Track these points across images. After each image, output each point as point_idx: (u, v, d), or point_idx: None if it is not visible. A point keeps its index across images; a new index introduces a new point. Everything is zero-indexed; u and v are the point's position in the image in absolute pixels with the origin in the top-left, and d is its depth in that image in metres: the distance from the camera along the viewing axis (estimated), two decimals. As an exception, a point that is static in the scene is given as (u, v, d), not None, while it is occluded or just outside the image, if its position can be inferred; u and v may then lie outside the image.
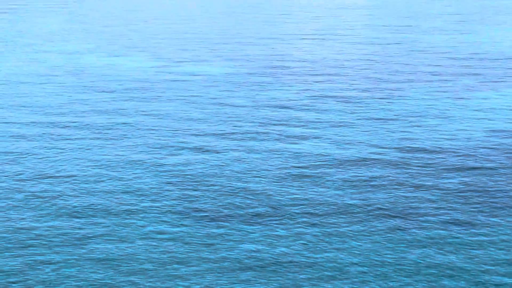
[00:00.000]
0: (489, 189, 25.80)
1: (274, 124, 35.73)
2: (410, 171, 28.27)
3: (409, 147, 31.98)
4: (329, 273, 18.32)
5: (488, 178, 26.98)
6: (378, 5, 76.59)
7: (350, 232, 22.03)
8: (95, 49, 56.27)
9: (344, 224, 22.69)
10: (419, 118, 36.89)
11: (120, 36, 61.53)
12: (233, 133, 34.32)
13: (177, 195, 25.83)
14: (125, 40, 59.80)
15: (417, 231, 21.93)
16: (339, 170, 28.61)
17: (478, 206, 24.12)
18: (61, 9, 75.94)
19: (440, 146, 31.90)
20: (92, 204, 24.89)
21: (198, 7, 76.38)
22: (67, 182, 27.66)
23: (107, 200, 25.40)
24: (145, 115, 37.87)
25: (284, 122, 36.02)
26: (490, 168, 28.31)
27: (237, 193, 25.96)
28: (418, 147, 31.82)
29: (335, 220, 23.02)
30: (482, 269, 18.51)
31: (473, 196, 25.15)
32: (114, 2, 79.95)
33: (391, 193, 25.67)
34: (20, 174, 28.85)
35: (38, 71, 49.13)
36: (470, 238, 21.33)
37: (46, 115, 38.32)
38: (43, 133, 34.80)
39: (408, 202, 24.63)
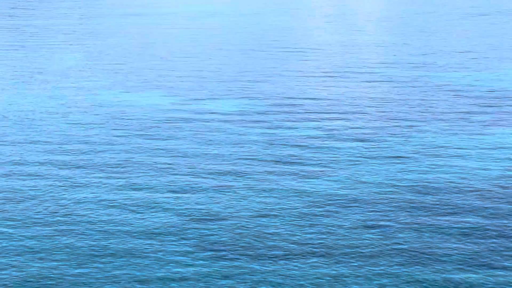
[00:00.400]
0: (506, 231, 25.60)
1: (289, 163, 35.68)
2: (425, 210, 28.11)
3: (424, 186, 31.82)
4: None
5: (505, 219, 26.80)
6: (394, 42, 76.79)
7: (366, 272, 21.87)
8: (111, 86, 56.55)
9: (359, 264, 22.55)
10: (434, 156, 36.76)
11: (136, 72, 61.86)
12: (248, 172, 34.29)
13: (192, 233, 25.77)
14: (141, 76, 60.09)
15: (434, 272, 21.75)
16: (354, 209, 28.49)
17: (494, 247, 23.92)
18: (78, 45, 76.53)
19: (456, 185, 31.74)
20: (108, 244, 24.87)
21: (214, 43, 76.80)
22: (82, 222, 27.65)
23: (124, 240, 25.37)
24: (161, 152, 37.93)
25: (299, 160, 35.98)
26: (507, 209, 28.11)
27: (252, 232, 25.88)
28: (433, 186, 31.66)
29: (350, 260, 22.88)
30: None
31: (490, 237, 24.95)
32: (131, 39, 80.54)
33: (406, 232, 25.50)
34: (38, 213, 28.88)
35: (54, 108, 49.36)
36: (488, 280, 21.12)
37: (61, 153, 38.44)
38: (58, 171, 34.88)
39: (424, 242, 24.45)
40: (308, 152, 37.55)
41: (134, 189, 31.80)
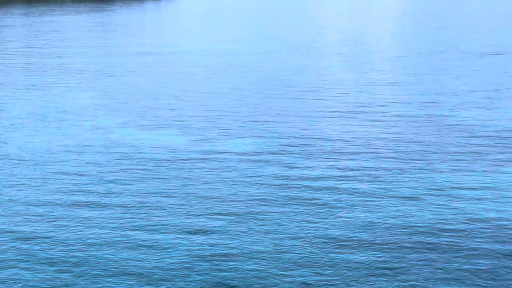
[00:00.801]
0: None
1: (302, 203, 35.66)
2: (439, 252, 27.99)
3: (438, 227, 31.72)
4: None
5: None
6: (407, 81, 76.92)
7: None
8: (125, 124, 56.80)
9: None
10: (448, 196, 36.67)
11: (150, 111, 62.14)
12: (261, 212, 34.28)
13: (206, 274, 25.75)
14: (155, 115, 60.36)
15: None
16: (367, 250, 28.40)
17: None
18: (92, 84, 77.03)
19: (470, 227, 31.61)
20: (122, 285, 24.88)
21: (227, 82, 77.14)
22: (96, 263, 27.67)
23: (139, 281, 25.37)
24: (175, 192, 37.99)
25: (312, 201, 35.95)
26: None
27: (266, 273, 25.83)
28: (447, 228, 31.55)
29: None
30: None
31: (506, 280, 24.82)
32: (145, 77, 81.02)
33: (421, 275, 25.39)
34: (51, 254, 28.93)
35: (69, 147, 49.60)
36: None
37: (75, 192, 38.55)
38: (72, 211, 34.97)
39: (438, 284, 24.33)
40: (321, 192, 37.51)
41: (148, 230, 31.81)
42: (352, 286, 24.36)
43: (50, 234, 31.26)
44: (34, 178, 41.33)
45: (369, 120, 57.48)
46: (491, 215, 33.28)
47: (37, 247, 29.41)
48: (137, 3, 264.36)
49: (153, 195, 37.32)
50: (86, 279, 25.43)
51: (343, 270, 25.97)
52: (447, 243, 29.15)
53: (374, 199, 36.34)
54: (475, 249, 28.17)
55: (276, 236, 30.52)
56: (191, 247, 28.95)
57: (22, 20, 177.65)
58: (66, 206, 35.66)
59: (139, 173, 42.14)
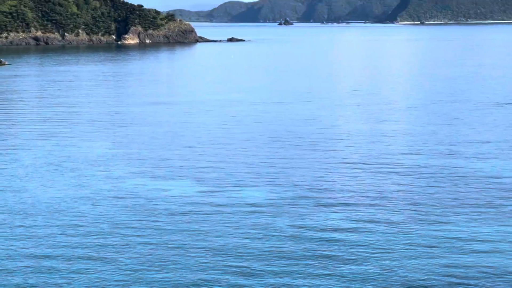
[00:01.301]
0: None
1: (317, 255, 35.52)
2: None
3: (455, 275, 31.50)
4: None
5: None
6: (421, 131, 76.95)
7: None
8: (139, 174, 56.92)
9: None
10: (463, 245, 36.46)
11: (164, 161, 62.28)
12: (279, 257, 34.17)
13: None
14: (169, 165, 60.48)
15: None
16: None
17: None
18: (107, 134, 77.36)
19: (486, 277, 31.38)
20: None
21: (241, 131, 77.34)
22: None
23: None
24: (189, 244, 37.92)
25: (328, 252, 35.80)
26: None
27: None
28: (464, 276, 31.34)
29: None
30: None
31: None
32: (159, 127, 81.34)
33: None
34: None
35: (83, 196, 49.67)
36: None
37: (89, 243, 38.53)
38: (86, 263, 34.90)
39: None
40: (336, 243, 37.36)
41: (162, 283, 31.70)
42: None
43: (64, 286, 31.18)
44: (48, 228, 41.33)
45: (382, 171, 57.39)
46: (508, 264, 33.02)
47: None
48: (151, 52, 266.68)
49: (167, 247, 37.23)
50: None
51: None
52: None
53: (389, 246, 36.18)
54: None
55: (293, 283, 30.36)
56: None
57: (37, 69, 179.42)
58: (80, 256, 35.60)
59: (153, 224, 42.08)
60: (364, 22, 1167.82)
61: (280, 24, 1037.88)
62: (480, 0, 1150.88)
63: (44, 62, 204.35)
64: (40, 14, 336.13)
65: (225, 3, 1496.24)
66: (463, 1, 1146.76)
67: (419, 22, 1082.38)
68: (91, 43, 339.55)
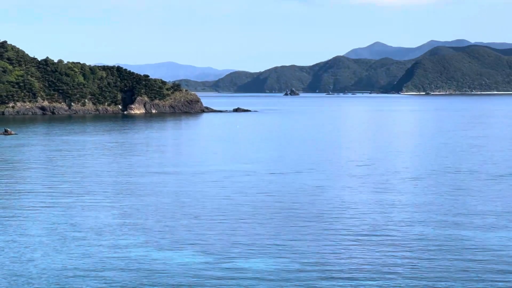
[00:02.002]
0: None
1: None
2: None
3: None
4: None
5: None
6: (426, 201, 77.04)
7: None
8: (144, 244, 56.95)
9: None
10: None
11: (170, 230, 62.35)
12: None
13: None
14: (175, 234, 60.53)
15: None
16: None
17: None
18: (113, 203, 77.56)
19: None
20: None
21: (246, 203, 77.49)
22: None
23: None
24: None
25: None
26: None
27: None
28: None
29: None
30: None
31: None
32: (164, 197, 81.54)
33: None
34: None
35: (88, 266, 49.67)
36: None
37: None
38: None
39: None
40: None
41: None
42: None
43: None
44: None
45: (388, 242, 57.34)
46: None
47: None
48: (157, 122, 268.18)
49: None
50: None
51: None
52: None
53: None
54: None
55: None
56: None
57: (43, 138, 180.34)
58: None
59: (158, 294, 41.98)
60: (369, 93, 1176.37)
61: (286, 94, 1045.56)
62: (484, 71, 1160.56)
63: (51, 132, 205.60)
64: (46, 84, 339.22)
65: (231, 73, 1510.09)
66: (468, 72, 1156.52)
67: (424, 93, 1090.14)
68: (97, 113, 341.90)
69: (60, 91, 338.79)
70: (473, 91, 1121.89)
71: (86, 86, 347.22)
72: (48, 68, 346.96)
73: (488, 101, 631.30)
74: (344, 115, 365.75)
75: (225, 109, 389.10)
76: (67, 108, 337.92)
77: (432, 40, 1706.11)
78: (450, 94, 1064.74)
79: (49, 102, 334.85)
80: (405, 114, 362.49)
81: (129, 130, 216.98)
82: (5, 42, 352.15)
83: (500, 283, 44.52)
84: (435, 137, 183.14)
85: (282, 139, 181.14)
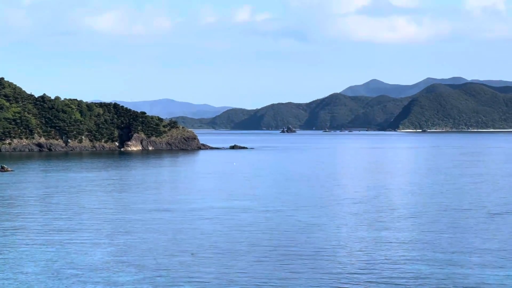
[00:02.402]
0: None
1: None
2: None
3: None
4: None
5: None
6: (422, 239, 76.93)
7: None
8: (140, 281, 56.74)
9: None
10: None
11: (165, 268, 62.12)
12: None
13: None
14: (171, 272, 60.31)
15: None
16: None
17: None
18: (108, 241, 77.32)
19: None
20: None
21: (244, 241, 77.24)
22: None
23: None
24: None
25: None
26: None
27: None
28: None
29: None
30: None
31: None
32: (160, 234, 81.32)
33: None
34: None
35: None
36: None
37: None
38: None
39: None
40: None
41: None
42: None
43: None
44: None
45: (385, 281, 57.14)
46: None
47: None
48: (154, 159, 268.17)
49: None
50: None
51: None
52: None
53: None
54: None
55: None
56: None
57: (40, 175, 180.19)
58: None
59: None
60: (366, 130, 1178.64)
61: (282, 131, 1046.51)
62: (481, 109, 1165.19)
63: (47, 169, 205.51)
64: (43, 121, 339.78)
65: (227, 110, 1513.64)
66: (464, 110, 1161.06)
67: (421, 130, 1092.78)
68: (94, 149, 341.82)
69: (57, 127, 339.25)
70: (469, 129, 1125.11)
71: (83, 122, 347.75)
72: (45, 104, 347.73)
73: (484, 139, 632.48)
74: (341, 152, 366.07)
75: (222, 146, 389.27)
76: (64, 144, 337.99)
77: (428, 78, 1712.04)
78: (447, 132, 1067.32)
79: (45, 139, 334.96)
80: (401, 151, 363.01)
81: (126, 167, 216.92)
82: (2, 79, 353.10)
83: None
84: (431, 175, 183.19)
85: (279, 176, 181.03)
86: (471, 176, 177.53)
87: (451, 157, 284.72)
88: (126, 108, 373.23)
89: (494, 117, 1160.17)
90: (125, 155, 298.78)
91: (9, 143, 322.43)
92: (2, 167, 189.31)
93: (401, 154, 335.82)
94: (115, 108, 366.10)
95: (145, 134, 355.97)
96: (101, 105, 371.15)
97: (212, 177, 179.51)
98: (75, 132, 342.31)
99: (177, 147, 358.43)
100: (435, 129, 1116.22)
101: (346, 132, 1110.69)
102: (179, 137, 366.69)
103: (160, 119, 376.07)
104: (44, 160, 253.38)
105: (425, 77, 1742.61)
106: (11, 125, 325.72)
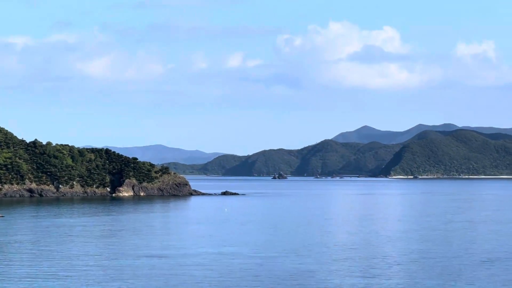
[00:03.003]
0: None
1: None
2: None
3: None
4: None
5: None
6: (413, 287, 76.89)
7: None
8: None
9: None
10: None
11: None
12: None
13: None
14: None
15: None
16: None
17: None
18: (99, 286, 77.02)
19: None
20: None
21: (237, 287, 77.04)
22: None
23: None
24: None
25: None
26: None
27: None
28: None
29: None
30: None
31: None
32: (152, 281, 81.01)
33: None
34: None
35: None
36: None
37: None
38: None
39: None
40: None
41: None
42: None
43: None
44: None
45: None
46: None
47: None
48: (145, 205, 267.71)
49: None
50: None
51: None
52: None
53: None
54: None
55: None
56: None
57: (31, 221, 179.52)
58: None
59: None
60: (358, 176, 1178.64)
61: (274, 177, 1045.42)
62: (472, 156, 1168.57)
63: (39, 215, 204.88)
64: (35, 166, 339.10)
65: (219, 156, 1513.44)
66: (455, 157, 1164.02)
67: (412, 177, 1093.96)
68: (86, 195, 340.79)
69: (48, 173, 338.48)
70: (461, 175, 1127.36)
71: (74, 168, 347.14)
72: (36, 150, 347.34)
73: (475, 185, 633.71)
74: (332, 198, 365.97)
75: (213, 192, 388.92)
76: (55, 190, 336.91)
77: (420, 124, 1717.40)
78: (438, 178, 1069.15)
79: (37, 185, 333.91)
80: (392, 198, 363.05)
81: (117, 213, 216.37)
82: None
83: None
84: (422, 221, 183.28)
85: (270, 222, 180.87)
86: (462, 222, 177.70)
87: (441, 203, 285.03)
88: (118, 153, 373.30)
89: (485, 163, 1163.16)
90: (117, 201, 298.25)
91: (0, 189, 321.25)
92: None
93: (391, 200, 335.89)
94: (106, 154, 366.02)
95: (136, 179, 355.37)
96: (93, 150, 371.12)
97: (203, 223, 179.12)
98: (66, 178, 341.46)
99: (169, 193, 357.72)
100: (427, 175, 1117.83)
101: (338, 178, 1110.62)
102: (170, 183, 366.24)
103: (152, 165, 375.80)
104: (35, 206, 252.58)
105: (416, 124, 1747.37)
106: (1, 171, 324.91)
